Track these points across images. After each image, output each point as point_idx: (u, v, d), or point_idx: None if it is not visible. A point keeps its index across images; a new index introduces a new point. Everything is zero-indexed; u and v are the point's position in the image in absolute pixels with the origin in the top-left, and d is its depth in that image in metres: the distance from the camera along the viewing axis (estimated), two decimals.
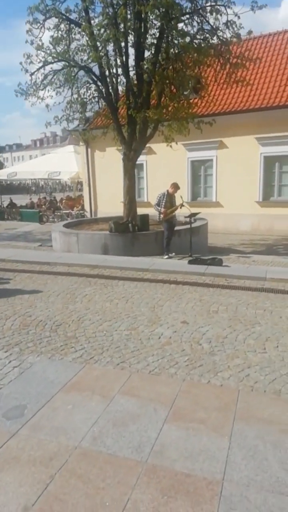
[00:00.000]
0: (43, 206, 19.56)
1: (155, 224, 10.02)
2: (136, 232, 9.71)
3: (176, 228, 10.13)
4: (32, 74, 10.30)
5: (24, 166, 20.77)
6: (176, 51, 10.42)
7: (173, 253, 9.49)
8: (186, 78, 11.34)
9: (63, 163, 18.88)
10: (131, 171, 11.20)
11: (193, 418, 2.93)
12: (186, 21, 10.39)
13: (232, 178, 15.59)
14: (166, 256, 9.21)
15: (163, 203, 9.27)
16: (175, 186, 9.49)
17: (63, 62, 10.37)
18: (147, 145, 16.25)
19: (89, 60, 10.31)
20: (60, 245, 10.31)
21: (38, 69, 10.26)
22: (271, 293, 6.11)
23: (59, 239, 10.34)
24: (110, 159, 17.22)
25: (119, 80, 10.76)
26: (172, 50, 10.26)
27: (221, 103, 15.93)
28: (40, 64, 10.15)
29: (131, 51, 10.19)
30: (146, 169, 17.59)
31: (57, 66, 10.45)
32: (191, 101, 15.37)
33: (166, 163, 16.56)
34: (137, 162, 17.81)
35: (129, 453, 2.54)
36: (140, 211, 11.36)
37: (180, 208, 9.37)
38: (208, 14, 9.92)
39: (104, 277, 6.94)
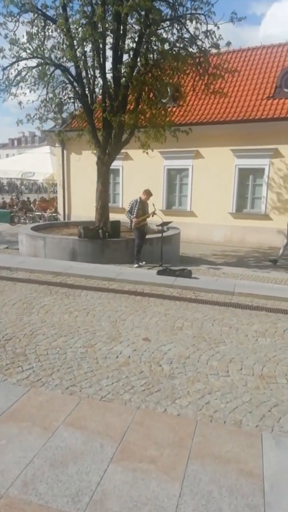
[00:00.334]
0: (15, 207, 18.87)
1: (127, 231, 9.69)
2: (107, 239, 9.35)
3: (148, 236, 9.82)
4: (4, 69, 9.82)
5: None
6: (155, 57, 10.20)
7: (144, 262, 9.18)
8: (165, 85, 11.17)
9: (38, 163, 18.32)
10: (105, 175, 10.84)
11: (143, 457, 2.58)
12: (166, 28, 10.20)
13: (207, 188, 15.49)
14: (136, 265, 8.89)
15: (135, 210, 8.96)
16: (148, 193, 9.20)
17: (38, 59, 9.93)
18: (124, 150, 15.99)
19: (65, 59, 9.93)
20: (27, 249, 9.81)
21: (11, 64, 9.79)
22: (238, 309, 5.87)
23: (25, 242, 9.85)
24: (86, 162, 16.79)
25: (96, 82, 10.42)
26: (151, 55, 10.02)
27: (199, 113, 15.84)
28: (14, 59, 9.69)
29: (110, 53, 9.90)
30: (122, 174, 17.27)
31: (32, 63, 10.02)
32: (168, 109, 15.30)
33: (142, 170, 16.30)
34: (113, 167, 17.58)
35: (63, 503, 2.17)
36: (115, 217, 11.00)
37: (152, 216, 9.08)
38: (188, 22, 9.75)
39: (67, 285, 6.53)
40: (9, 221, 17.54)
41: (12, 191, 27.86)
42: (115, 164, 17.51)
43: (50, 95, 10.65)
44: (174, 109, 16.08)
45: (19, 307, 5.42)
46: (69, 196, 17.87)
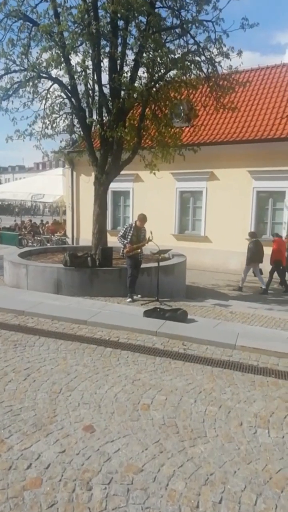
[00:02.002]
0: (23, 230, 17.93)
1: (120, 259, 8.28)
2: (96, 268, 7.96)
3: (145, 265, 8.39)
4: None
5: (7, 186, 19.33)
6: (160, 69, 9.01)
7: (139, 295, 7.72)
8: (174, 104, 9.94)
9: (49, 185, 17.41)
10: (102, 197, 9.55)
11: None
12: (171, 39, 9.02)
13: (223, 212, 13.94)
14: (129, 299, 7.45)
15: (129, 236, 7.58)
16: (143, 219, 7.82)
17: (29, 72, 8.92)
18: (134, 171, 14.84)
19: (58, 71, 8.88)
20: (9, 277, 8.56)
21: (1, 77, 8.81)
22: (237, 372, 4.26)
23: (8, 269, 8.60)
24: None
25: (91, 94, 9.27)
26: (153, 66, 8.82)
27: (213, 132, 14.49)
28: (1, 72, 8.72)
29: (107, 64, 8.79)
30: (133, 197, 16.04)
31: (23, 76, 9.01)
32: (182, 128, 14.06)
33: (154, 192, 15.00)
34: (123, 189, 16.47)
35: None
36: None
37: (147, 242, 7.65)
38: (194, 28, 8.51)
39: (23, 330, 5.13)
40: (17, 243, 16.56)
41: (26, 213, 27.11)
42: (125, 186, 16.47)
43: (47, 110, 9.61)
44: (187, 129, 14.88)
45: None
46: (78, 218, 16.76)
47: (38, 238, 16.50)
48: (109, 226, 15.20)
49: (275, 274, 10.79)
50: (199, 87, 9.91)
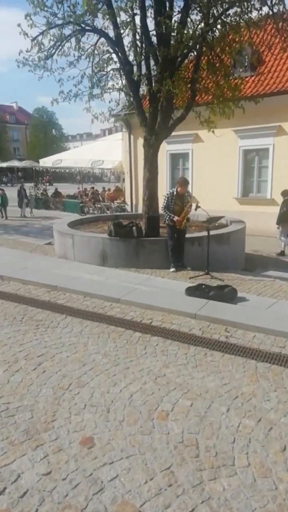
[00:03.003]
0: (84, 197, 17.74)
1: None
2: (142, 238, 7.27)
3: (196, 234, 7.51)
4: (33, 39, 8.16)
5: (69, 153, 19.10)
6: (215, 7, 7.61)
7: (189, 268, 6.95)
8: (234, 49, 8.42)
9: (108, 151, 16.83)
10: (152, 160, 8.62)
11: None
12: None
13: None
14: (173, 269, 6.76)
15: (172, 206, 6.73)
16: (184, 183, 6.89)
17: (72, 25, 8.09)
18: (194, 131, 13.55)
19: (105, 21, 7.92)
20: (58, 248, 8.26)
21: (42, 33, 8.09)
22: None
23: (57, 239, 8.30)
24: None
25: (140, 45, 8.20)
26: (208, 4, 7.42)
27: (282, 80, 12.48)
28: (44, 28, 7.97)
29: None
30: (192, 159, 14.79)
31: (67, 30, 8.21)
32: (246, 79, 12.32)
33: (215, 153, 13.64)
34: (182, 151, 15.23)
35: None
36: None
37: (196, 209, 6.72)
38: None
39: (52, 307, 4.69)
40: (79, 211, 16.46)
41: (96, 180, 26.99)
42: (184, 147, 15.21)
43: (94, 68, 8.79)
44: (251, 78, 13.04)
45: None
46: (136, 185, 16.03)
47: (98, 206, 16.20)
48: (166, 191, 14.29)
49: None
50: (263, 26, 8.29)
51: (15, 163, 30.96)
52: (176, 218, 6.72)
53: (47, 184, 26.39)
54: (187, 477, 2.22)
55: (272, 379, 3.24)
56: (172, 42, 7.59)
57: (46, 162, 17.97)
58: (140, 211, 15.26)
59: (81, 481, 2.17)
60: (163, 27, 7.12)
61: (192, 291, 5.09)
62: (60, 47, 8.34)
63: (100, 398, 2.93)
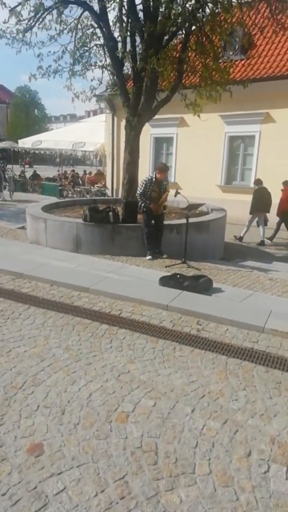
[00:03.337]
0: (64, 180, 17.26)
1: None
2: (118, 224, 7.02)
3: (175, 222, 7.31)
4: (11, 10, 7.64)
5: (50, 135, 18.46)
6: None
7: (165, 255, 6.77)
8: (225, 30, 8.04)
9: (91, 133, 16.32)
10: (134, 142, 8.28)
11: None
12: None
13: (279, 159, 12.02)
14: (149, 257, 6.58)
15: (149, 192, 6.49)
16: (163, 170, 6.66)
17: None
18: (179, 115, 13.16)
19: None
20: (30, 232, 7.93)
21: (20, 4, 7.57)
22: (260, 366, 3.23)
23: (29, 224, 7.95)
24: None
25: (126, 20, 7.77)
26: None
27: (272, 65, 12.22)
28: None
29: None
30: (176, 144, 14.46)
31: (49, 2, 7.74)
32: (236, 62, 12.03)
33: (200, 138, 13.36)
34: (167, 135, 14.81)
35: None
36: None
37: (175, 196, 6.49)
38: None
39: (15, 296, 4.41)
40: (58, 194, 16.02)
41: (77, 163, 26.27)
42: (169, 131, 14.83)
43: (77, 43, 8.34)
44: (242, 62, 12.72)
45: None
46: (118, 169, 15.63)
47: (78, 189, 15.79)
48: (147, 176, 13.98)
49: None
50: (256, 6, 7.95)
51: None
52: (152, 205, 6.51)
53: (27, 166, 25.66)
54: (142, 488, 2.04)
55: (242, 377, 3.08)
56: (159, 18, 7.23)
57: (26, 143, 17.33)
58: (120, 196, 15.00)
59: (23, 496, 1.96)
60: (151, 1, 6.75)
61: (166, 281, 4.90)
62: (40, 20, 7.87)
63: (55, 398, 2.71)
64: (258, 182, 10.21)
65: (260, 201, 9.62)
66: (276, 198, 9.98)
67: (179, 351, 3.43)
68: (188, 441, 2.37)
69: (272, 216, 10.12)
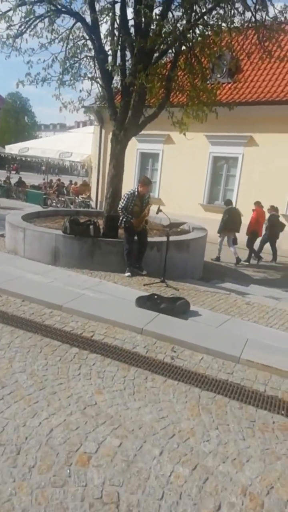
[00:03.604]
0: (48, 189, 16.95)
1: None
2: (99, 238, 6.78)
3: (156, 239, 7.13)
4: (3, 14, 7.42)
5: (38, 142, 18.17)
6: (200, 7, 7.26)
7: (145, 272, 6.57)
8: (213, 52, 8.03)
9: (78, 143, 16.13)
10: (119, 156, 8.10)
11: None
12: None
13: (261, 183, 12.11)
14: (128, 273, 6.36)
15: (131, 206, 6.31)
16: (147, 183, 6.51)
17: (46, 4, 7.44)
18: (166, 132, 13.14)
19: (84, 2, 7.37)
20: (8, 241, 7.60)
21: (11, 9, 7.36)
22: (234, 401, 3.02)
23: (7, 232, 7.63)
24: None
25: (117, 34, 7.67)
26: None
27: (257, 90, 12.38)
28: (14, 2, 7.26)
29: None
30: (162, 160, 14.43)
31: (41, 10, 7.57)
32: (223, 85, 12.15)
33: (185, 156, 13.37)
34: (153, 151, 14.77)
35: None
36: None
37: (157, 213, 6.32)
38: None
39: None
40: (42, 203, 15.67)
41: (58, 172, 25.96)
42: (155, 147, 14.78)
43: (67, 53, 8.19)
44: (228, 85, 12.85)
45: None
46: (103, 181, 15.45)
47: (62, 199, 15.50)
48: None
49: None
50: (244, 31, 8.01)
51: None
52: (133, 220, 6.33)
53: (14, 172, 25.18)
54: None
55: (214, 413, 2.87)
56: (150, 34, 7.17)
57: (13, 149, 16.97)
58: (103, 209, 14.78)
59: None
60: (142, 17, 6.67)
61: (143, 302, 4.67)
62: (31, 26, 7.71)
63: (12, 433, 2.42)
64: (228, 202, 10.33)
65: (229, 221, 9.70)
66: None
67: (151, 381, 3.20)
68: (153, 491, 2.13)
69: (242, 236, 10.20)
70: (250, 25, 7.73)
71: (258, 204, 10.21)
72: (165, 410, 2.84)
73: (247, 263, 10.01)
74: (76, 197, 15.44)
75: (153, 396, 2.99)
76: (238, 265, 9.71)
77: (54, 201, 15.64)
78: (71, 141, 16.66)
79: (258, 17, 7.54)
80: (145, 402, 2.91)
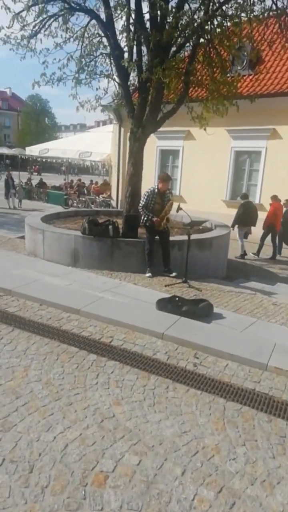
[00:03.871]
0: (69, 189, 16.98)
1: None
2: (118, 239, 6.63)
3: (177, 238, 6.91)
4: (16, 14, 7.37)
5: (57, 143, 18.24)
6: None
7: (174, 273, 6.37)
8: (232, 45, 7.71)
9: (98, 143, 16.07)
10: (137, 154, 7.94)
11: None
12: None
13: (286, 176, 11.65)
14: (149, 274, 6.18)
15: (152, 204, 6.12)
16: (166, 179, 6.29)
17: (59, 3, 7.36)
18: (186, 128, 12.89)
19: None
20: (28, 243, 7.56)
21: (24, 10, 7.29)
22: (262, 413, 2.80)
23: (27, 234, 7.60)
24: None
25: (132, 30, 7.50)
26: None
27: (280, 81, 11.90)
28: (30, 3, 7.20)
29: None
30: (182, 156, 14.14)
31: (55, 8, 7.49)
32: (244, 77, 11.78)
33: (206, 152, 13.04)
34: (173, 148, 14.50)
35: None
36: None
37: (177, 211, 6.11)
38: None
39: (0, 315, 4.03)
40: (63, 203, 15.71)
41: (79, 172, 26.01)
42: (175, 144, 14.51)
43: (83, 51, 8.09)
44: (249, 77, 12.43)
45: None
46: (124, 180, 15.32)
47: (83, 199, 15.48)
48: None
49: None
50: (264, 20, 7.66)
51: (4, 150, 29.85)
52: (155, 218, 6.14)
53: (36, 173, 25.48)
54: None
55: (241, 427, 2.66)
56: (166, 27, 6.95)
57: (33, 150, 17.11)
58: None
59: None
60: (158, 10, 6.47)
61: (164, 305, 4.48)
62: (46, 26, 7.64)
63: (25, 449, 2.30)
64: (244, 196, 10.13)
65: (245, 215, 9.49)
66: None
67: (173, 391, 3.01)
68: None
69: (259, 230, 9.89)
70: (271, 13, 7.39)
71: (275, 198, 10.04)
72: (188, 424, 2.65)
73: (257, 257, 9.86)
74: (97, 197, 15.38)
75: (175, 408, 2.81)
76: (240, 258, 9.54)
77: (75, 201, 15.65)
78: (90, 140, 16.61)
79: (279, 4, 7.20)
80: (166, 414, 2.73)
